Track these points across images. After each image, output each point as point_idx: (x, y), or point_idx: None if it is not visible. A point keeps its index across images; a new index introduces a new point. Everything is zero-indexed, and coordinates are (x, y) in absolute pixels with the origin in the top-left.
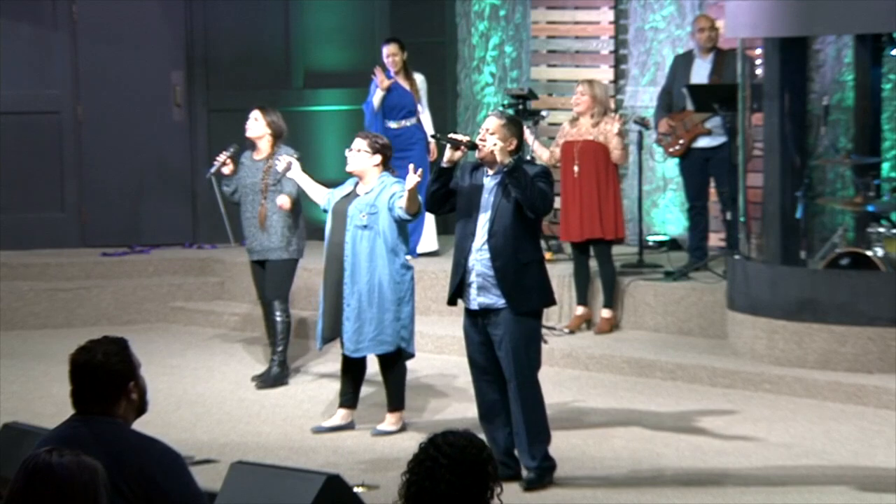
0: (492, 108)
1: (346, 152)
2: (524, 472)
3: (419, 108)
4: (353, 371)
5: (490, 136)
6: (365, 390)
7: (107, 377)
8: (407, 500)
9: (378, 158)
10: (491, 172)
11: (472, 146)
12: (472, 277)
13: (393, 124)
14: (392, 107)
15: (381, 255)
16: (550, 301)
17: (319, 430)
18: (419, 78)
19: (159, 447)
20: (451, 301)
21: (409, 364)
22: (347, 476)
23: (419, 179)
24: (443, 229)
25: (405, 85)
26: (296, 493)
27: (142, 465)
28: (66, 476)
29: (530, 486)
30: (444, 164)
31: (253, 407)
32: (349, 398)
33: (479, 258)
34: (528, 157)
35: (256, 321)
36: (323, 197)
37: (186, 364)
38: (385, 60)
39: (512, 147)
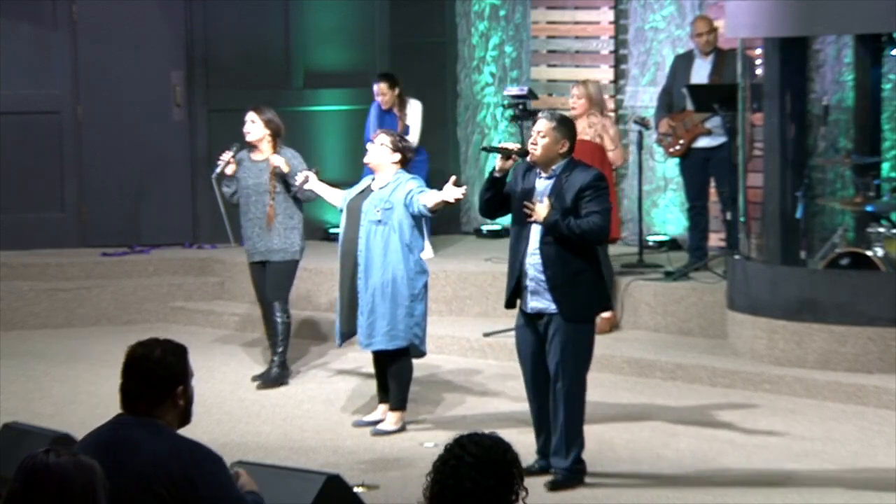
0: (492, 109)
1: (368, 144)
2: (553, 473)
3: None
4: (382, 366)
5: (541, 139)
6: (366, 388)
7: (160, 374)
8: (431, 499)
9: (397, 157)
10: (544, 175)
11: (524, 153)
12: (526, 281)
13: None
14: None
15: (396, 251)
16: (605, 307)
17: (360, 424)
18: (414, 105)
19: (202, 451)
20: (509, 304)
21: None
22: (347, 476)
23: (461, 197)
24: (437, 229)
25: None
26: (296, 493)
27: (184, 469)
28: (64, 476)
29: (555, 486)
30: (496, 175)
31: (253, 407)
32: (385, 395)
33: (532, 263)
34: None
35: (256, 321)
36: (339, 198)
37: None
38: (376, 98)
39: (564, 149)
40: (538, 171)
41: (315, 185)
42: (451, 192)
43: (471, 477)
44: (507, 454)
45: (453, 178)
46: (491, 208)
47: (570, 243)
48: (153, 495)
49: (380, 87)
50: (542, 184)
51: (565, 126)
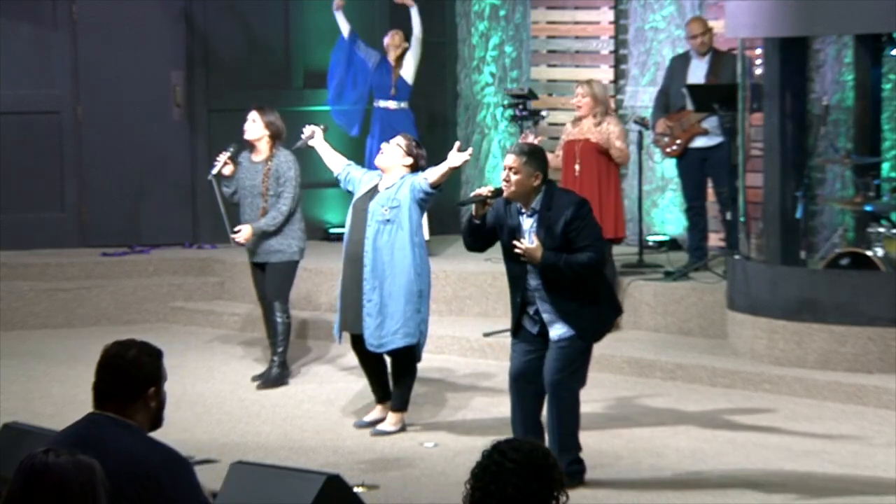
0: (492, 109)
1: (384, 145)
2: None
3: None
4: (371, 366)
5: (513, 175)
6: (366, 388)
7: (133, 373)
8: None
9: (409, 161)
10: (525, 211)
11: (498, 193)
12: (538, 313)
13: (383, 102)
14: (380, 86)
15: (403, 248)
16: (618, 314)
17: (360, 425)
18: (409, 58)
19: (170, 453)
20: (515, 332)
21: None
22: (347, 476)
23: (468, 158)
24: (437, 229)
25: (394, 69)
26: (296, 493)
27: (149, 470)
28: (63, 476)
29: None
30: (475, 222)
31: (253, 407)
32: (381, 394)
33: (539, 297)
34: None
35: (256, 321)
36: (339, 165)
37: (186, 364)
38: (384, 43)
39: (538, 182)
40: (518, 205)
41: (319, 143)
42: (456, 158)
43: (513, 483)
44: (547, 458)
45: (457, 143)
46: (476, 247)
47: (569, 277)
48: (121, 495)
49: (392, 39)
50: (528, 222)
51: (536, 158)
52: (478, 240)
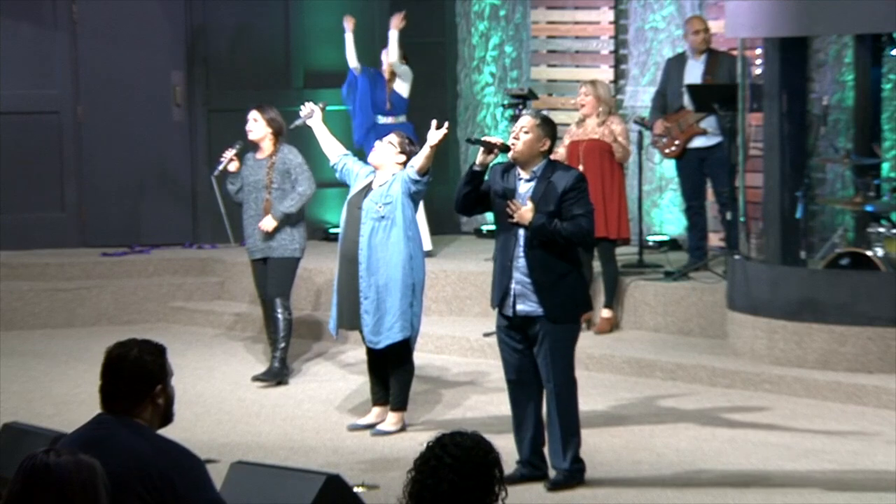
0: (492, 109)
1: (377, 143)
2: (552, 473)
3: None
4: (378, 368)
5: (524, 135)
6: (366, 388)
7: (137, 373)
8: (410, 497)
9: (402, 158)
10: (524, 176)
11: (506, 148)
12: (512, 285)
13: (381, 119)
14: (375, 102)
15: (397, 243)
16: (588, 307)
17: (354, 427)
18: (403, 74)
19: (180, 452)
20: (498, 304)
21: None
22: (347, 476)
23: (446, 132)
24: (437, 229)
25: (388, 83)
26: (296, 493)
27: (161, 469)
28: (64, 476)
29: (556, 486)
30: (476, 168)
31: (253, 407)
32: (380, 396)
33: (518, 266)
34: None
35: (256, 321)
36: (336, 153)
37: (186, 364)
38: (382, 57)
39: (545, 147)
40: (517, 171)
41: (317, 123)
42: (434, 136)
43: (449, 479)
44: (487, 455)
45: (434, 121)
46: (467, 204)
47: (555, 246)
48: (133, 494)
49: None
50: (525, 186)
51: (548, 125)
52: (470, 195)
